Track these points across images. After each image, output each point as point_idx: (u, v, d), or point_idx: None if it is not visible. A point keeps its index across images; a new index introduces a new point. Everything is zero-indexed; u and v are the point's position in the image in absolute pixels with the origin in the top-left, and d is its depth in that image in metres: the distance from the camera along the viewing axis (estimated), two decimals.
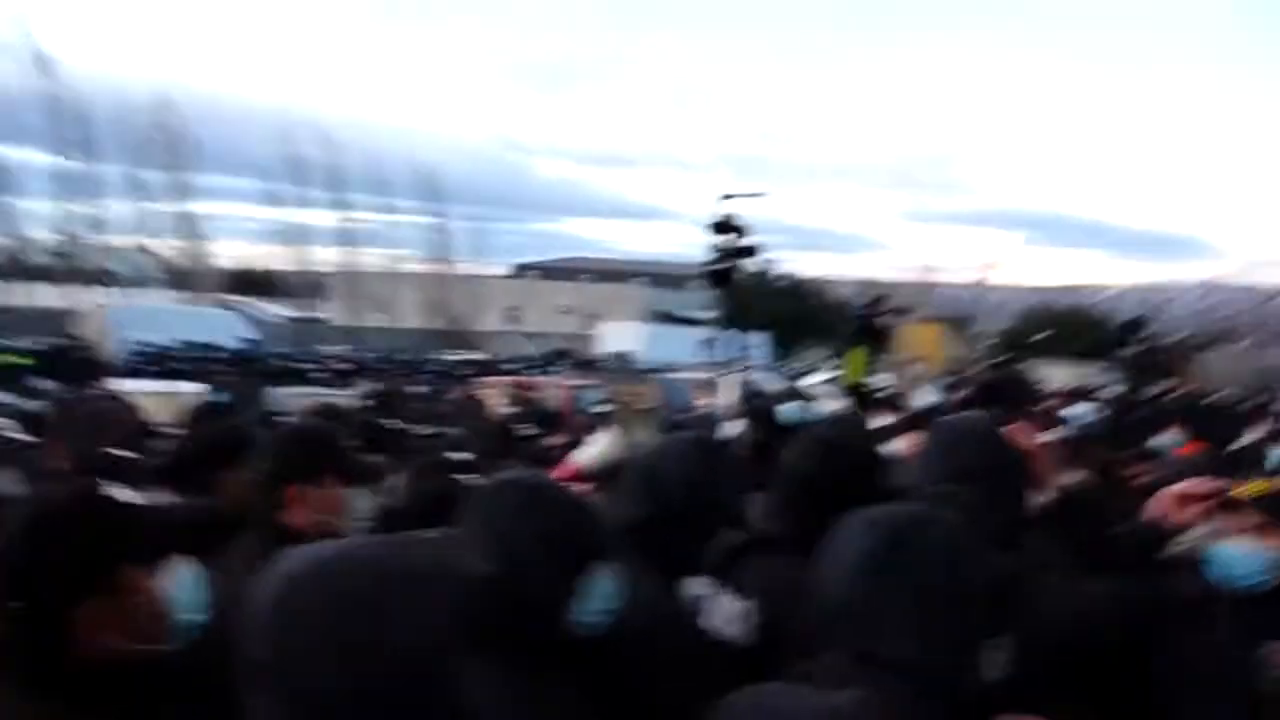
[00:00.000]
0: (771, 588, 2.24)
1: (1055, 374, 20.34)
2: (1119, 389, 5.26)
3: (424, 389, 17.02)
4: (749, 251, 7.45)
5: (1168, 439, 4.89)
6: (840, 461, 2.44)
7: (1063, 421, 6.59)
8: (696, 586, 2.43)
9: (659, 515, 2.11)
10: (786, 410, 5.51)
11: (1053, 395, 7.44)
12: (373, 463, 3.18)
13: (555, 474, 3.21)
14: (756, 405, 5.22)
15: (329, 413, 5.60)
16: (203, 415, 5.57)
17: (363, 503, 2.26)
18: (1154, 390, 5.58)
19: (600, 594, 1.67)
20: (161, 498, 2.57)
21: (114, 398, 3.91)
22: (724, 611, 2.33)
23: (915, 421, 4.32)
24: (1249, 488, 2.13)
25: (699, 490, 2.16)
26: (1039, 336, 54.00)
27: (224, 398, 9.51)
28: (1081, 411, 7.32)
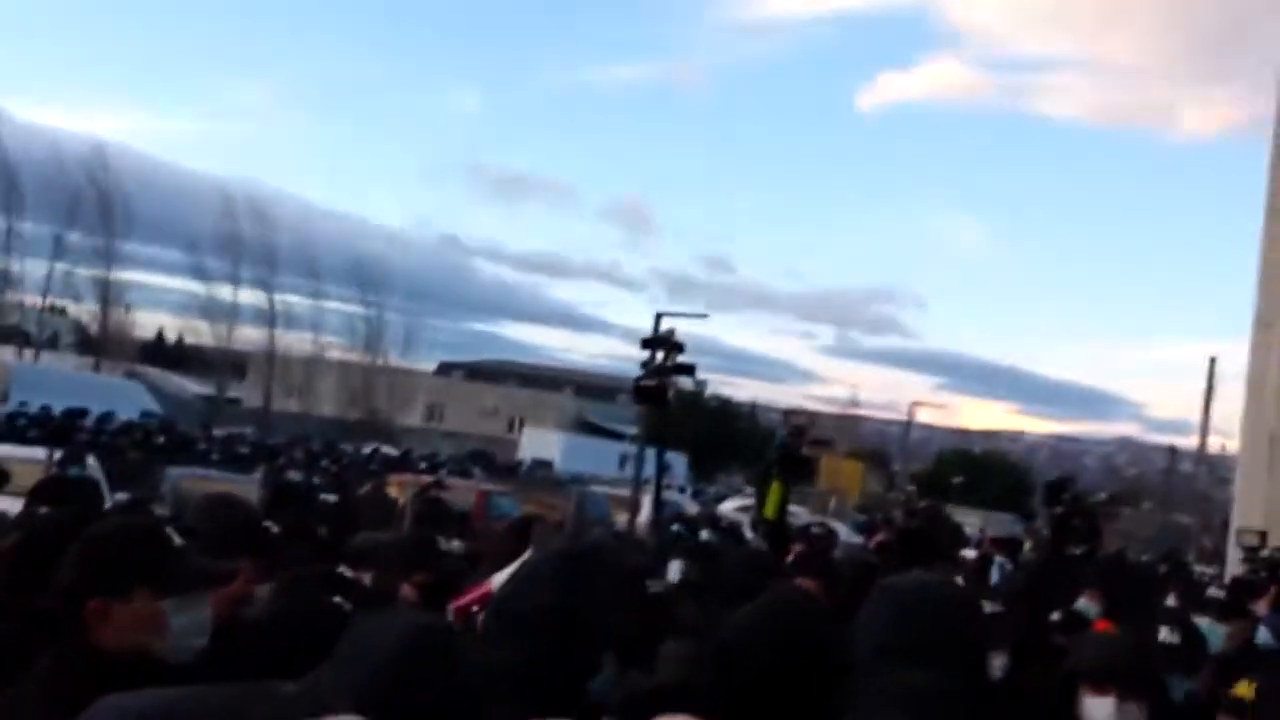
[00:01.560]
0: None
1: (968, 520, 20.44)
2: (1041, 545, 5.15)
3: (329, 479, 16.31)
4: (686, 369, 7.24)
5: (1084, 604, 4.69)
6: (787, 644, 2.11)
7: (988, 570, 6.39)
8: None
9: (523, 651, 1.70)
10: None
11: (980, 543, 7.25)
12: (219, 569, 2.76)
13: (467, 596, 2.85)
14: (685, 539, 4.92)
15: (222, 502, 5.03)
16: (45, 491, 4.91)
17: (194, 619, 1.89)
18: (1075, 551, 5.44)
19: None
20: None
21: None
22: None
23: (831, 567, 4.04)
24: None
25: (562, 618, 1.74)
26: (956, 480, 54.94)
27: (78, 472, 8.60)
28: (1001, 562, 7.15)
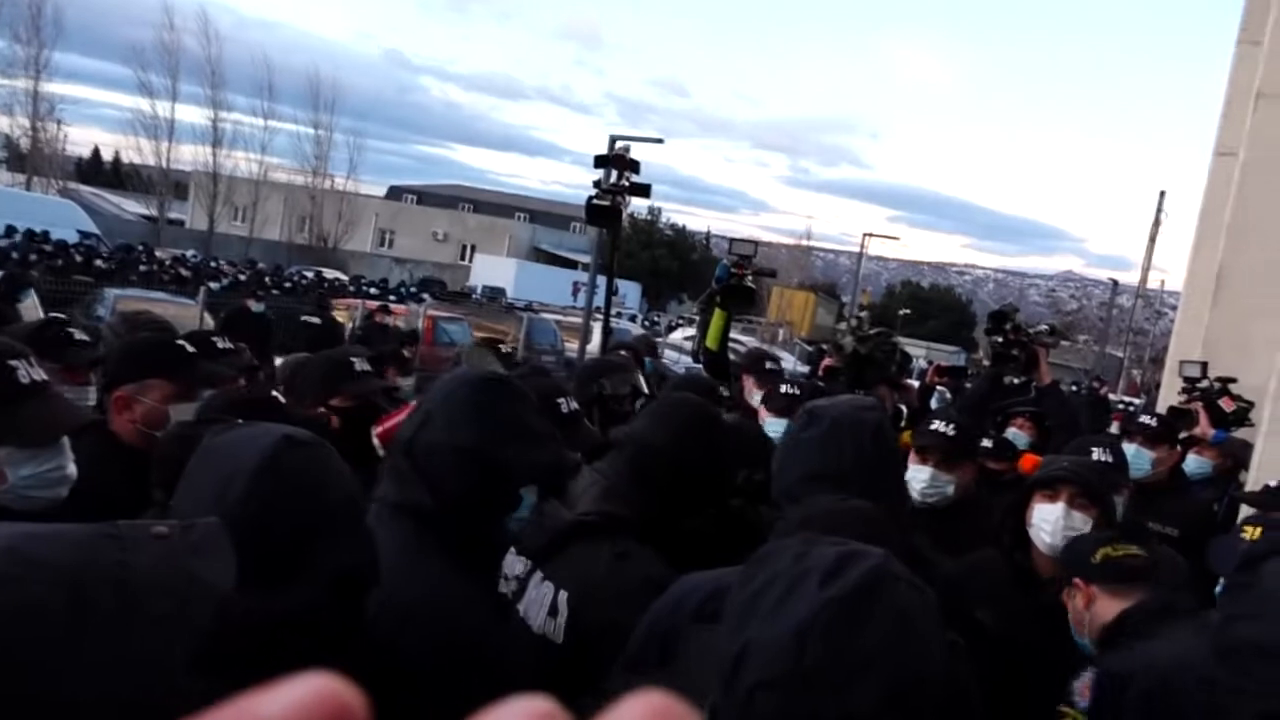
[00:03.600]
0: (587, 580, 1.92)
1: (913, 351, 20.92)
2: (980, 375, 5.25)
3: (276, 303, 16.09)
4: (641, 190, 7.00)
5: (1015, 432, 4.84)
6: (706, 443, 2.13)
7: (929, 399, 6.53)
8: (516, 566, 2.08)
9: (433, 494, 1.64)
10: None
11: (925, 372, 7.36)
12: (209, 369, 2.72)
13: (391, 419, 2.72)
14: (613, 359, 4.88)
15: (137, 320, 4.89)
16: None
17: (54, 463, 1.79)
18: (1013, 381, 5.53)
19: None
20: None
21: None
22: (536, 601, 2.02)
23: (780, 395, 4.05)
24: None
25: (476, 457, 1.65)
26: (903, 313, 55.88)
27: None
28: (942, 391, 7.32)
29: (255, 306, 11.19)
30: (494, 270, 41.07)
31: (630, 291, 42.07)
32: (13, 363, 1.75)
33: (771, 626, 1.01)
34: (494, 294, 32.35)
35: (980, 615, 2.25)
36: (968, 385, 6.33)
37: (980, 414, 4.49)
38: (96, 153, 76.23)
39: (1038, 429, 4.79)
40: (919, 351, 28.92)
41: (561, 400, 2.70)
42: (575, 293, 37.62)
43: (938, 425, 3.30)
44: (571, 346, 16.70)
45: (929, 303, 70.38)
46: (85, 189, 47.89)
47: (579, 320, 16.92)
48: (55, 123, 41.38)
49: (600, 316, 8.05)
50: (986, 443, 4.15)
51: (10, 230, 21.23)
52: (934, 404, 6.77)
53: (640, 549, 1.86)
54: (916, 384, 7.16)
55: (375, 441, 2.68)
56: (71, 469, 1.80)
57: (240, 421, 1.88)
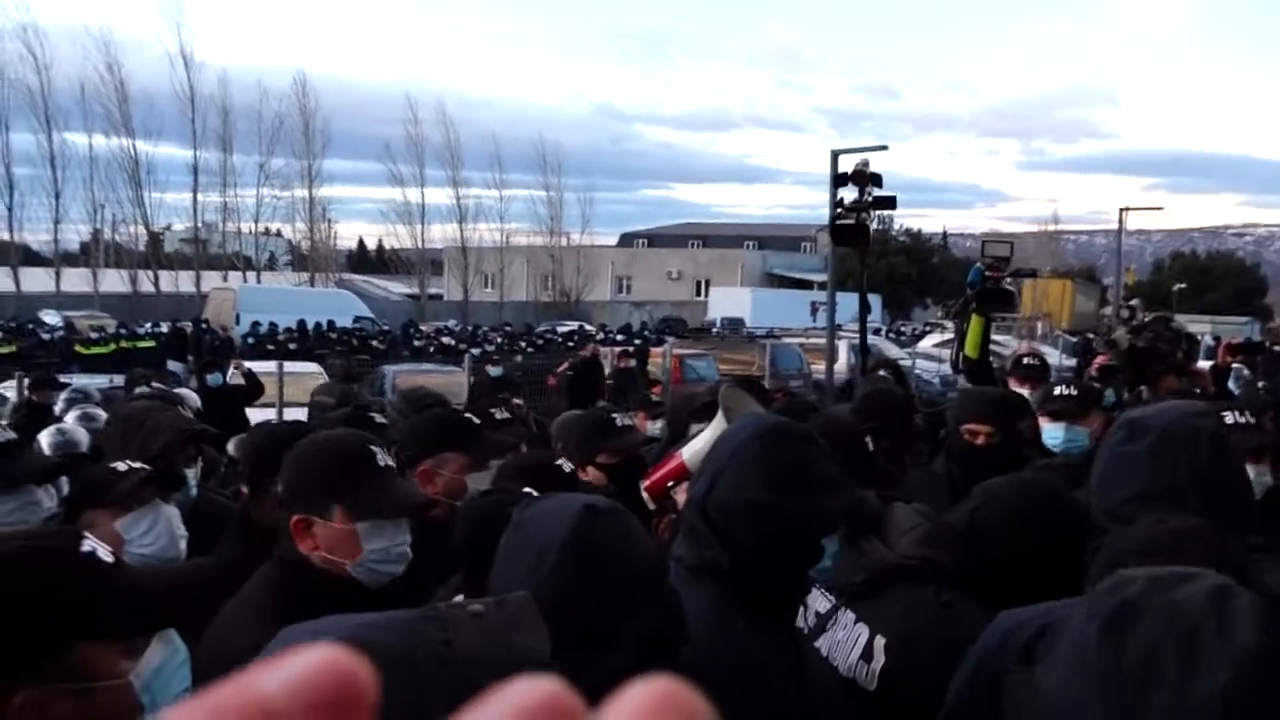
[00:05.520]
0: (910, 627, 1.84)
1: (1196, 328, 19.02)
2: None
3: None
4: (887, 202, 6.87)
5: None
6: (1040, 526, 1.92)
7: (1226, 381, 5.88)
8: (819, 602, 2.03)
9: (731, 552, 1.63)
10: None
11: (1215, 352, 6.63)
12: (416, 495, 2.81)
13: (658, 473, 2.78)
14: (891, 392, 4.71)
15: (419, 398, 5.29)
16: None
17: (394, 542, 1.93)
18: None
19: None
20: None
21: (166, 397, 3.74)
22: (846, 642, 1.95)
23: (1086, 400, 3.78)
24: None
25: (773, 513, 1.62)
26: (1178, 288, 51.03)
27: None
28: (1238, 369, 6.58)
29: (493, 371, 11.76)
30: (730, 301, 41.38)
31: (873, 304, 41.08)
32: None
33: (1187, 696, 0.92)
34: (734, 325, 32.56)
35: None
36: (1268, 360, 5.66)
37: None
38: (362, 243, 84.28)
39: None
40: (1204, 328, 26.22)
41: (868, 440, 2.68)
42: (814, 313, 37.20)
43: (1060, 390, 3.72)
44: (817, 368, 16.49)
45: (1207, 273, 63.84)
46: (357, 278, 52.98)
47: (822, 341, 16.72)
48: (327, 222, 46.28)
49: (844, 334, 7.91)
50: None
51: (302, 324, 23.73)
52: (1232, 386, 6.12)
53: (965, 600, 1.78)
54: (1208, 366, 6.48)
55: (645, 496, 2.73)
56: (408, 548, 1.94)
57: (531, 491, 1.99)
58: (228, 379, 8.59)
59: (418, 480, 2.56)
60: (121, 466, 2.27)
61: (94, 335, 19.89)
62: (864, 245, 7.07)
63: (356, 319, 27.16)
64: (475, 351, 19.00)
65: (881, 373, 5.17)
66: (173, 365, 17.49)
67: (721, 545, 1.61)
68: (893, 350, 19.18)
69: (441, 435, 2.70)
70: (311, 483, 1.89)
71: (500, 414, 3.27)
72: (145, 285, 38.25)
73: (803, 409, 3.70)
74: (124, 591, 1.39)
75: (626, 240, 69.84)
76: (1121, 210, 34.79)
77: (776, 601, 1.64)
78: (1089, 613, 1.01)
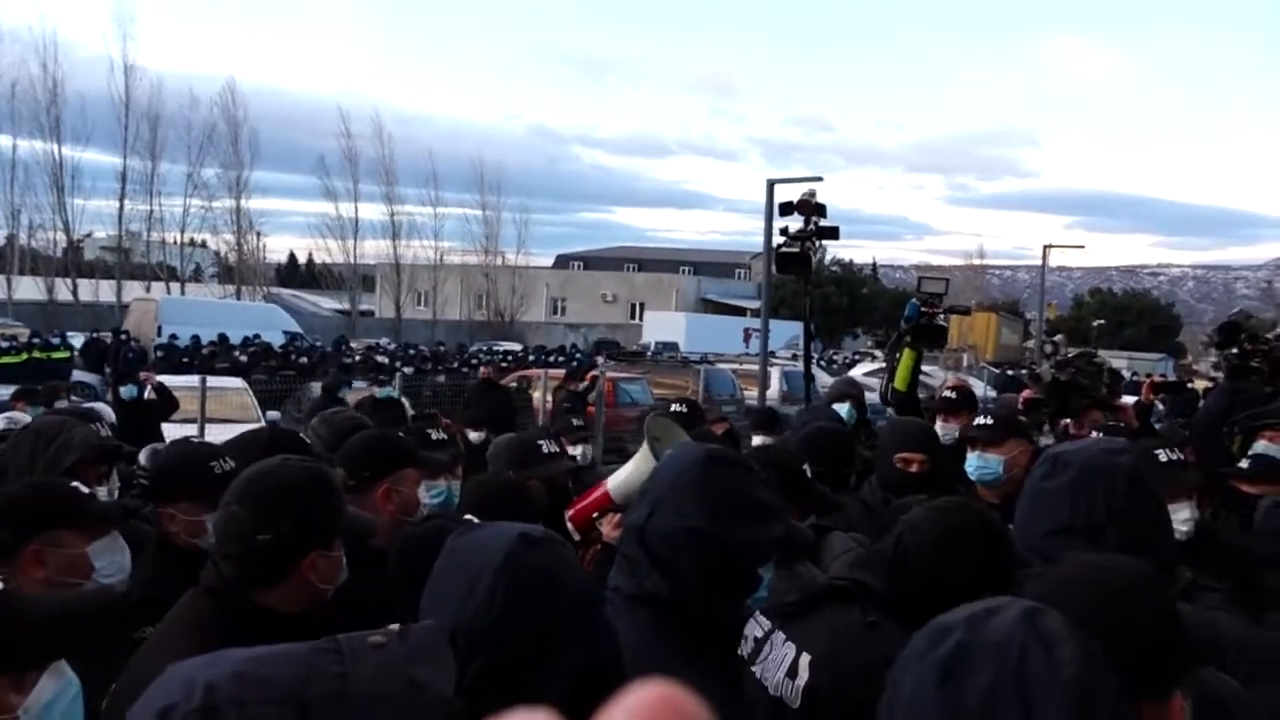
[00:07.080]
0: (834, 646, 1.82)
1: (1113, 363, 19.61)
2: (1218, 390, 4.72)
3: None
4: (830, 233, 6.94)
5: (1266, 446, 4.37)
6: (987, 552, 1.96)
7: (1149, 418, 5.99)
8: (755, 629, 2.02)
9: (670, 582, 1.61)
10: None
11: (1137, 386, 6.80)
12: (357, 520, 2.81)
13: (582, 502, 2.72)
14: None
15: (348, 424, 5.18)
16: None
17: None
18: (1253, 393, 4.98)
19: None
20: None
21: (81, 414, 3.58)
22: (775, 662, 1.94)
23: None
24: None
25: (712, 541, 1.61)
26: (1097, 324, 52.69)
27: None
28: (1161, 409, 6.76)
29: (380, 392, 11.36)
30: (665, 325, 41.53)
31: (801, 332, 41.58)
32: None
33: None
34: (668, 349, 32.66)
35: None
36: (1200, 399, 5.82)
37: (1217, 433, 4.11)
38: (292, 257, 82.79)
39: None
40: (1120, 363, 27.10)
41: (805, 468, 2.68)
42: (747, 339, 37.50)
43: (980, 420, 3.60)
44: (750, 394, 16.57)
45: (1124, 310, 66.13)
46: (285, 292, 51.95)
47: (755, 368, 16.83)
48: (255, 234, 45.32)
49: (776, 361, 7.94)
50: (1243, 463, 3.74)
51: (224, 337, 23.12)
52: (1154, 423, 6.28)
53: (891, 623, 1.78)
54: (1131, 402, 6.65)
55: (569, 526, 2.66)
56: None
57: (472, 518, 1.95)
58: (144, 394, 8.32)
59: (378, 500, 2.47)
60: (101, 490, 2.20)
61: (4, 344, 19.09)
62: (807, 274, 7.13)
63: (286, 334, 26.59)
64: (408, 370, 18.71)
65: (836, 405, 5.13)
66: (90, 377, 16.90)
67: (660, 574, 1.58)
68: (825, 378, 19.41)
69: (397, 453, 2.63)
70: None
71: (436, 435, 3.21)
72: (63, 294, 37.06)
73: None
74: (10, 622, 1.31)
75: (562, 262, 69.75)
76: (1045, 247, 35.89)
77: (715, 631, 1.62)
78: (919, 670, 1.00)
